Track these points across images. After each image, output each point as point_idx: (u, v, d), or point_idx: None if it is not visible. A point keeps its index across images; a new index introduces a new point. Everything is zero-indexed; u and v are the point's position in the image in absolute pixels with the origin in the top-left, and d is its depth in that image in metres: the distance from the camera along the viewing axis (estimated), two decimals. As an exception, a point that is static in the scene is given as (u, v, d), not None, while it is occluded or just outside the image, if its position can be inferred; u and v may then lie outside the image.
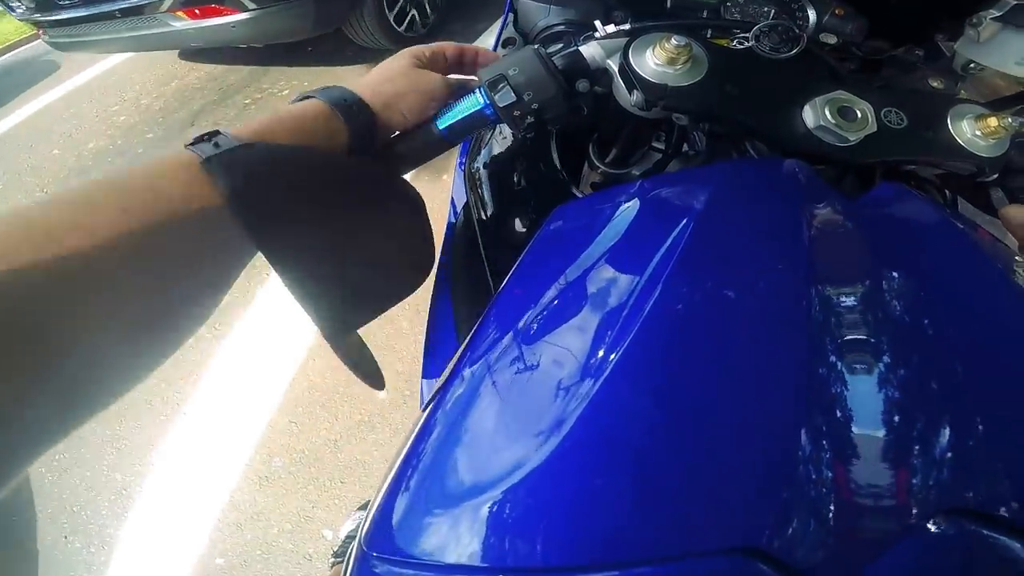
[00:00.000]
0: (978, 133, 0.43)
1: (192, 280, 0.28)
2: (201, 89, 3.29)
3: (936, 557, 0.21)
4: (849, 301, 0.29)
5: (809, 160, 0.40)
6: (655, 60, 0.40)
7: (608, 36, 0.43)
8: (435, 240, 0.44)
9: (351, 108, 0.36)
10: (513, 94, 0.41)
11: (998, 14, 0.45)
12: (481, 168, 0.63)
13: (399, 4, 2.70)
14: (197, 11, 2.37)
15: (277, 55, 3.21)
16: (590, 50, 0.43)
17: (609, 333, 0.27)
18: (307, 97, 0.37)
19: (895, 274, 0.30)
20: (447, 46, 0.45)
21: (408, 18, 2.82)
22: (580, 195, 0.56)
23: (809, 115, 0.40)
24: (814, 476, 0.22)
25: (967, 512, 0.22)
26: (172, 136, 2.88)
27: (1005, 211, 0.49)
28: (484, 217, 0.60)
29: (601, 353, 0.26)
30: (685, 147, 0.54)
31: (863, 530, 0.22)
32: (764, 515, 0.21)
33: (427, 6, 2.92)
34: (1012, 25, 0.44)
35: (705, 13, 0.58)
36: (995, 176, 0.44)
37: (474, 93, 0.42)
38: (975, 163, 0.43)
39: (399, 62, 0.41)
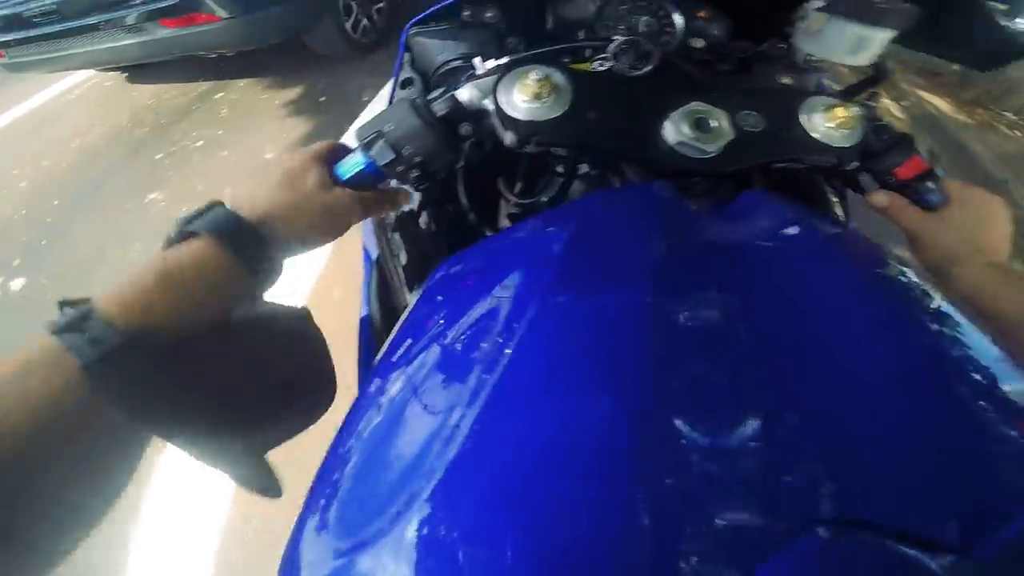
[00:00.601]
0: (831, 125, 0.43)
1: (87, 471, 0.26)
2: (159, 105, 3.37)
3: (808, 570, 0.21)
4: (697, 320, 0.28)
5: (677, 175, 0.41)
6: (522, 97, 0.39)
7: (482, 75, 0.43)
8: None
9: (239, 238, 0.32)
10: (391, 151, 0.39)
11: (821, 4, 0.44)
12: (391, 215, 0.59)
13: (354, 13, 3.00)
14: (176, 20, 2.67)
15: (232, 67, 3.35)
16: (467, 93, 0.42)
17: (476, 382, 0.27)
18: (190, 230, 0.33)
19: (746, 288, 0.30)
20: (324, 146, 0.42)
21: (362, 25, 3.11)
22: (490, 233, 0.56)
23: (669, 131, 0.40)
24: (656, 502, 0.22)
25: (839, 522, 0.22)
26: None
27: (870, 197, 0.50)
28: (395, 267, 0.57)
29: (460, 411, 0.26)
30: (586, 167, 0.54)
31: (711, 556, 0.21)
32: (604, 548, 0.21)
33: (375, 14, 3.23)
34: (837, 14, 0.43)
35: (583, 33, 0.58)
36: (854, 164, 0.45)
37: (354, 154, 0.41)
38: (832, 155, 0.44)
39: (282, 172, 0.37)
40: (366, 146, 0.40)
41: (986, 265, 0.44)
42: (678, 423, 0.24)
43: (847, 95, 0.49)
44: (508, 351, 0.27)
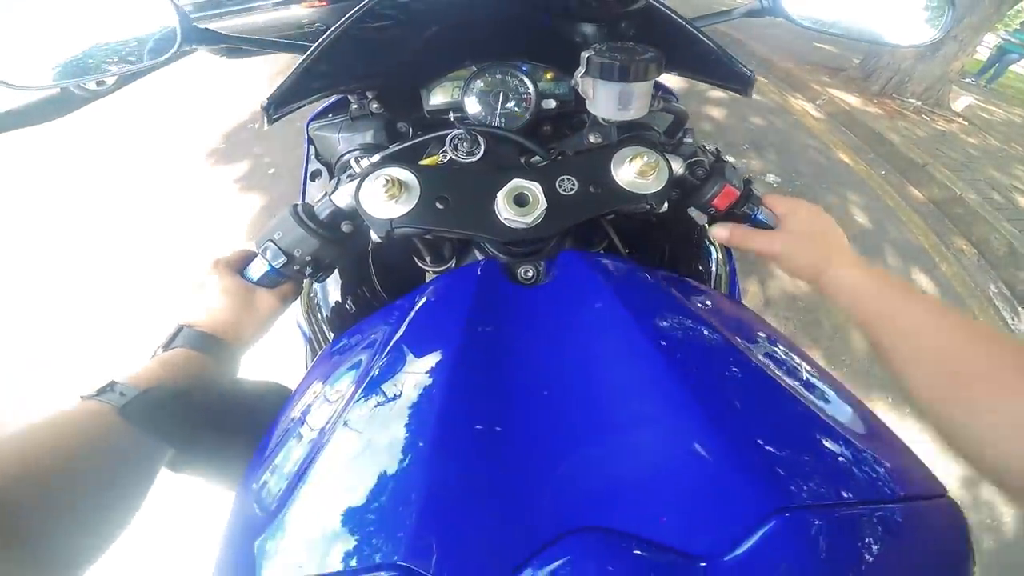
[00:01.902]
0: (637, 174, 0.47)
1: (113, 492, 0.35)
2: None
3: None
4: (488, 385, 0.32)
5: (512, 243, 0.46)
6: (379, 198, 0.45)
7: (352, 178, 0.48)
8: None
9: (203, 345, 0.44)
10: (283, 255, 0.47)
11: (583, 70, 0.48)
12: (318, 294, 0.64)
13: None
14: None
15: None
16: (342, 196, 0.48)
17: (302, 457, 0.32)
18: (174, 345, 0.44)
19: (559, 346, 0.35)
20: (234, 255, 0.51)
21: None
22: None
23: (500, 207, 0.45)
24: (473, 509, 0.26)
25: (590, 529, 0.24)
26: None
27: (710, 232, 0.53)
28: (324, 343, 0.62)
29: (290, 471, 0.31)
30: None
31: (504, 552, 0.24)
32: (419, 538, 0.24)
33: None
34: (595, 78, 0.47)
35: (452, 115, 0.64)
36: (664, 208, 0.47)
37: (258, 259, 0.49)
38: (643, 201, 0.47)
39: (218, 287, 0.47)
40: (263, 253, 0.48)
41: (847, 268, 0.47)
42: (455, 445, 0.29)
43: (657, 145, 0.52)
44: (329, 429, 0.33)
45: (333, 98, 0.68)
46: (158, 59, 0.57)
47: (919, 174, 3.23)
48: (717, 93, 3.49)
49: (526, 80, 0.64)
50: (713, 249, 0.66)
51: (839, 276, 0.47)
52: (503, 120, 0.64)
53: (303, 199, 0.68)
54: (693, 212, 0.54)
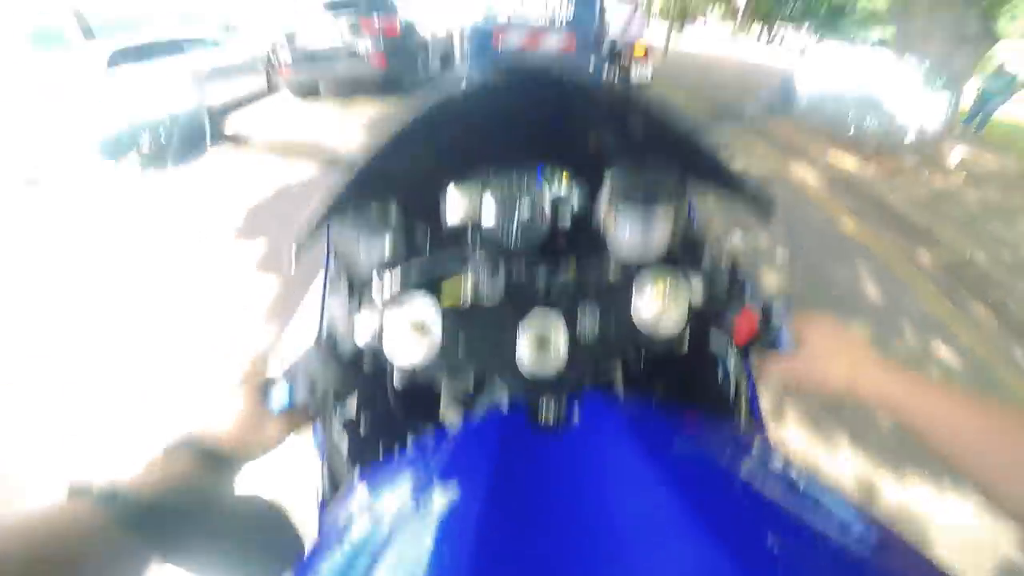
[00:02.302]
0: (657, 307, 0.47)
1: None
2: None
3: None
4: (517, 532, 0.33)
5: (534, 388, 0.46)
6: (404, 340, 0.45)
7: (374, 311, 0.50)
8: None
9: (212, 457, 0.46)
10: (307, 391, 0.48)
11: (604, 209, 0.52)
12: (336, 423, 0.64)
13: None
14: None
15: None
16: (364, 330, 0.49)
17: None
18: (174, 447, 0.45)
19: (582, 500, 0.35)
20: (254, 385, 0.51)
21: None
22: (429, 431, 0.61)
23: (522, 353, 0.46)
24: None
25: None
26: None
27: (764, 365, 0.52)
28: (340, 459, 0.62)
29: None
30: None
31: None
32: None
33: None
34: (617, 205, 0.50)
35: (470, 225, 0.64)
36: (684, 350, 0.47)
37: (280, 391, 0.49)
38: (663, 346, 0.47)
39: (235, 405, 0.49)
40: (286, 386, 0.49)
41: (870, 376, 0.47)
42: None
43: (675, 271, 0.51)
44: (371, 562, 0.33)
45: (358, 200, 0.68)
46: (185, 159, 0.62)
47: (925, 237, 3.23)
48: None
49: (543, 187, 0.62)
50: (733, 373, 0.66)
51: (871, 385, 0.47)
52: (520, 231, 0.61)
53: (324, 303, 0.69)
54: (713, 339, 0.54)
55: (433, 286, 0.54)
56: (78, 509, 0.37)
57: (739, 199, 0.57)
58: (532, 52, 2.71)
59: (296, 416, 0.52)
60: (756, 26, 32.45)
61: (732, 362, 0.63)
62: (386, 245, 0.62)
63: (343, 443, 0.63)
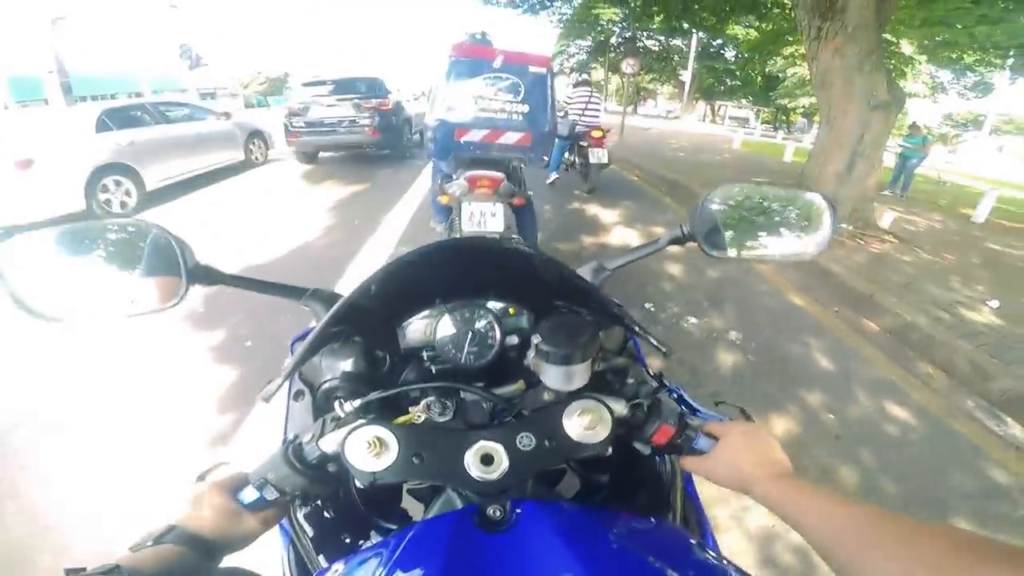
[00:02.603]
0: (585, 426, 0.55)
1: None
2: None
3: None
4: None
5: (480, 492, 0.53)
6: (362, 454, 0.51)
7: (338, 426, 0.56)
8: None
9: (191, 544, 0.50)
10: (275, 491, 0.54)
11: (533, 355, 0.60)
12: (301, 519, 0.67)
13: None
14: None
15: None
16: (329, 443, 0.54)
17: None
18: (163, 540, 0.49)
19: None
20: (227, 478, 0.57)
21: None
22: (378, 520, 0.72)
23: (469, 465, 0.52)
24: None
25: None
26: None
27: (683, 464, 0.59)
28: (304, 543, 0.66)
29: None
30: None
31: None
32: None
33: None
34: (543, 361, 0.59)
35: (426, 353, 0.71)
36: (609, 451, 0.55)
37: (251, 489, 0.55)
38: (591, 450, 0.55)
39: (211, 504, 0.53)
40: (257, 487, 0.54)
41: (774, 479, 0.51)
42: None
43: (600, 399, 0.59)
44: None
45: (313, 322, 0.73)
46: (165, 305, 0.64)
47: (868, 305, 3.45)
48: (675, 251, 3.77)
49: (491, 318, 0.71)
50: (664, 474, 0.71)
51: (760, 489, 0.51)
52: (471, 357, 0.70)
53: (287, 415, 0.73)
54: (637, 445, 0.61)
55: (392, 406, 0.63)
56: None
57: (644, 341, 0.69)
58: (489, 144, 2.95)
59: (269, 512, 0.57)
60: (701, 103, 35.58)
61: (661, 464, 0.71)
62: (349, 369, 0.69)
63: (308, 534, 0.66)
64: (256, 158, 8.21)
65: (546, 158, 3.25)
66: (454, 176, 2.97)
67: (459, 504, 0.57)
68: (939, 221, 6.48)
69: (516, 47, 3.08)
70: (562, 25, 22.34)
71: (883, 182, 7.94)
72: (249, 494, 0.55)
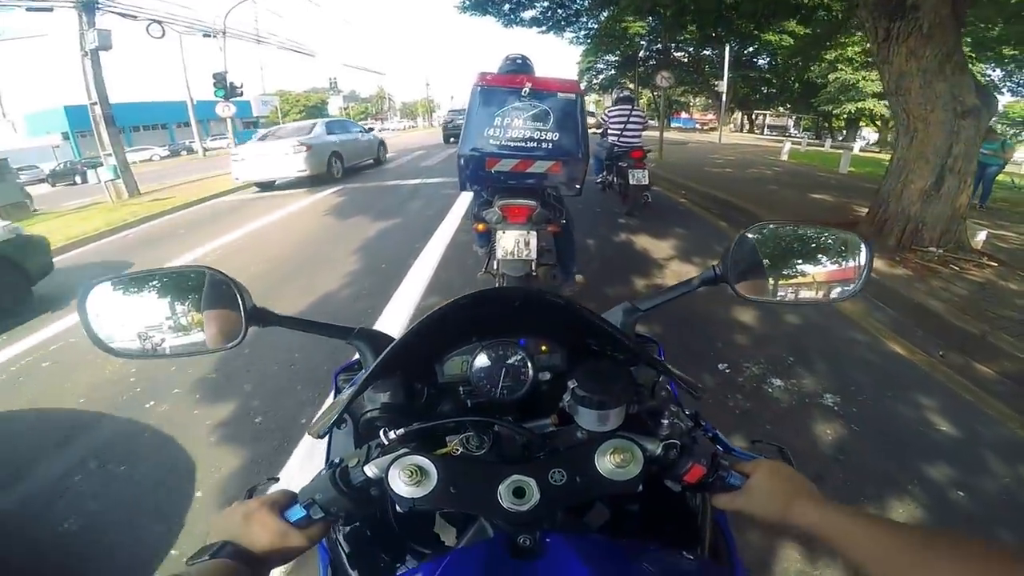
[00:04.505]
0: (617, 464, 0.56)
1: None
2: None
3: None
4: None
5: (513, 523, 0.55)
6: (403, 481, 0.55)
7: (383, 454, 0.59)
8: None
9: (241, 559, 0.54)
10: (321, 511, 0.58)
11: (569, 399, 0.63)
12: (340, 538, 0.70)
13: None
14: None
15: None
16: (372, 468, 0.58)
17: None
18: (215, 555, 0.53)
19: None
20: (275, 496, 0.61)
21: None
22: (415, 544, 0.73)
23: (502, 497, 0.55)
24: None
25: None
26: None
27: (714, 502, 0.61)
28: (344, 562, 0.68)
29: None
30: None
31: None
32: None
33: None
34: (577, 404, 0.62)
35: (462, 388, 0.75)
36: (640, 488, 0.56)
37: (298, 507, 0.58)
38: (620, 487, 0.56)
39: (259, 522, 0.57)
40: (305, 507, 0.58)
41: (816, 505, 0.52)
42: None
43: (633, 439, 0.59)
44: None
45: (356, 356, 0.84)
46: (227, 345, 0.72)
47: (981, 347, 2.89)
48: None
49: (524, 356, 0.73)
50: (694, 505, 0.70)
51: (802, 516, 0.52)
52: (504, 391, 0.72)
53: (330, 440, 0.79)
54: (668, 483, 0.61)
55: (430, 435, 0.67)
56: None
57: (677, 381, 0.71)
58: (521, 174, 2.88)
59: (313, 530, 0.60)
60: (737, 113, 34.69)
61: (691, 497, 0.69)
62: (389, 401, 0.71)
63: (346, 551, 0.68)
64: (380, 158, 14.00)
65: (579, 186, 3.08)
66: (492, 202, 2.90)
67: (491, 532, 0.59)
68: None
69: (543, 69, 3.01)
70: (588, 41, 22.13)
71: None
72: (296, 512, 0.58)
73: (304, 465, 2.10)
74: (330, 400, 0.84)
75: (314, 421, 0.67)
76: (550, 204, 3.08)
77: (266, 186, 10.64)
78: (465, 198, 7.27)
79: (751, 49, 24.20)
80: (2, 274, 4.06)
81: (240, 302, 0.70)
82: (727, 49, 19.32)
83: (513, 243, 2.77)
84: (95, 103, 10.55)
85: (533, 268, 2.84)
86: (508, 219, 2.77)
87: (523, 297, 0.71)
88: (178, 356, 0.72)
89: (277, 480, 0.71)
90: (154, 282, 0.74)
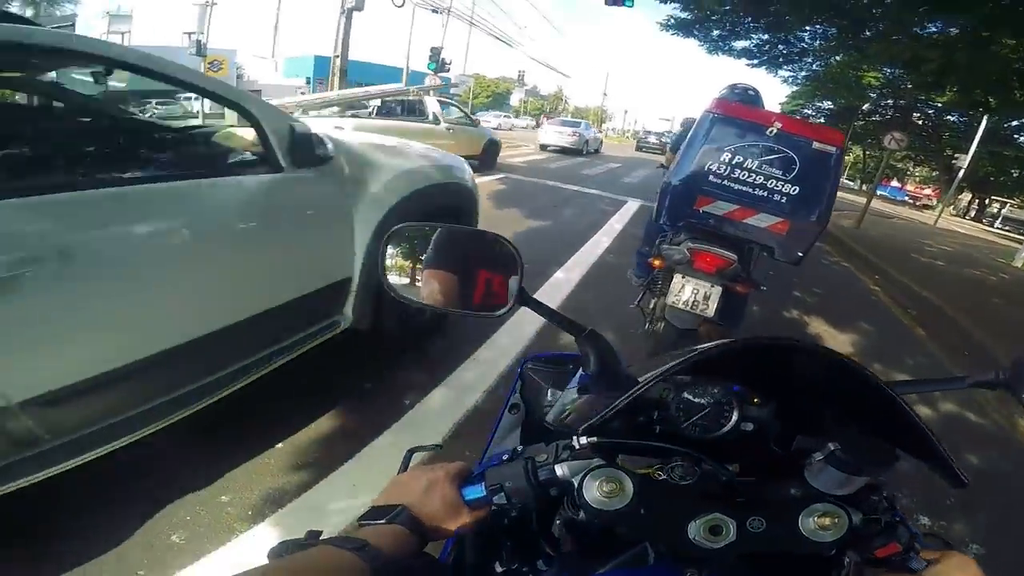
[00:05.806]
0: (820, 526, 0.56)
1: None
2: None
3: None
4: None
5: (694, 559, 0.57)
6: (599, 491, 0.55)
7: (576, 457, 0.58)
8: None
9: (413, 526, 0.54)
10: (506, 499, 0.60)
11: (822, 457, 0.58)
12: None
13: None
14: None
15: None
16: (563, 469, 0.58)
17: None
18: (389, 519, 0.54)
19: None
20: (456, 467, 0.62)
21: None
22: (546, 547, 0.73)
23: (693, 529, 0.55)
24: None
25: None
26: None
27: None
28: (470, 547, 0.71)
29: None
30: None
31: None
32: None
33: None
34: (830, 465, 0.57)
35: (656, 413, 0.69)
36: (833, 551, 0.56)
37: (479, 487, 0.60)
38: (815, 548, 0.56)
39: (439, 492, 0.58)
40: (490, 491, 0.59)
41: None
42: None
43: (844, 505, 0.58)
44: None
45: (562, 354, 0.93)
46: (494, 313, 0.75)
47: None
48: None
49: (734, 402, 0.67)
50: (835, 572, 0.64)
51: None
52: (695, 428, 0.66)
53: (497, 423, 0.84)
54: (849, 553, 0.58)
55: (616, 448, 0.61)
56: (341, 562, 0.42)
57: (930, 463, 0.62)
58: (734, 222, 2.40)
59: (481, 512, 0.60)
60: (966, 193, 28.62)
61: (839, 565, 0.63)
62: (569, 393, 0.77)
63: (499, 551, 0.71)
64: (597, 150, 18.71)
65: (801, 254, 2.45)
66: (680, 239, 2.44)
67: (650, 560, 0.60)
68: None
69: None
70: (804, 82, 19.86)
71: None
72: (475, 491, 0.60)
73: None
74: (515, 385, 0.88)
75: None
76: (747, 260, 2.53)
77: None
78: (621, 217, 6.98)
79: (1015, 123, 19.47)
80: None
81: (519, 275, 0.72)
82: (984, 119, 15.71)
83: (691, 293, 2.36)
84: (338, 56, 12.41)
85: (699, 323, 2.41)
86: (694, 264, 2.32)
87: (839, 366, 0.63)
88: (444, 313, 0.81)
89: (440, 448, 0.74)
90: (453, 238, 0.81)
